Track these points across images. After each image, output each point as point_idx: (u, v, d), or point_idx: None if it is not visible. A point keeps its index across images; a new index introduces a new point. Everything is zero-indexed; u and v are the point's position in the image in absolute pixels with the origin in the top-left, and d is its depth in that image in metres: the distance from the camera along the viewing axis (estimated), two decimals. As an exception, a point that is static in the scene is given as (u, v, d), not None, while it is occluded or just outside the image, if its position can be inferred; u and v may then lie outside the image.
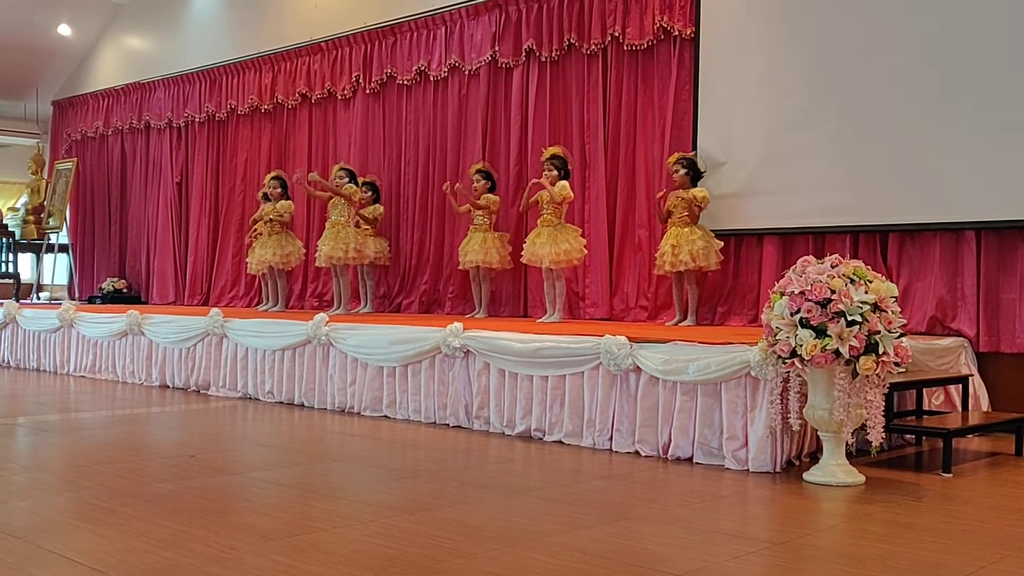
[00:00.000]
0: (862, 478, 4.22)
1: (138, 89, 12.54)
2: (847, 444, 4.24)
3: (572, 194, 7.20)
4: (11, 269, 12.86)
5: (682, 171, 6.91)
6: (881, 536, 3.35)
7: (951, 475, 4.43)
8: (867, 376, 4.07)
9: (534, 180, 7.29)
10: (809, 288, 4.05)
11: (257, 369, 7.09)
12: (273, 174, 9.10)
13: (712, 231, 6.92)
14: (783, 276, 4.23)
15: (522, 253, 7.26)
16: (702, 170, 6.97)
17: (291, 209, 8.95)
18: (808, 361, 4.04)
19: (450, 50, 8.95)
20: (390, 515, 3.52)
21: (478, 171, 7.92)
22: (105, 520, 3.36)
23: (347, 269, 8.65)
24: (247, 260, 9.26)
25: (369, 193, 8.80)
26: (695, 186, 6.92)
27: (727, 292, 7.17)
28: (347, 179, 8.53)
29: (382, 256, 8.93)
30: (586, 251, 7.27)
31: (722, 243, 6.92)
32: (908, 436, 5.29)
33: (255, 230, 9.02)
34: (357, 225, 8.61)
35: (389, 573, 2.78)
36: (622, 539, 3.24)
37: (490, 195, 7.83)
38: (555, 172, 7.08)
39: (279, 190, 8.90)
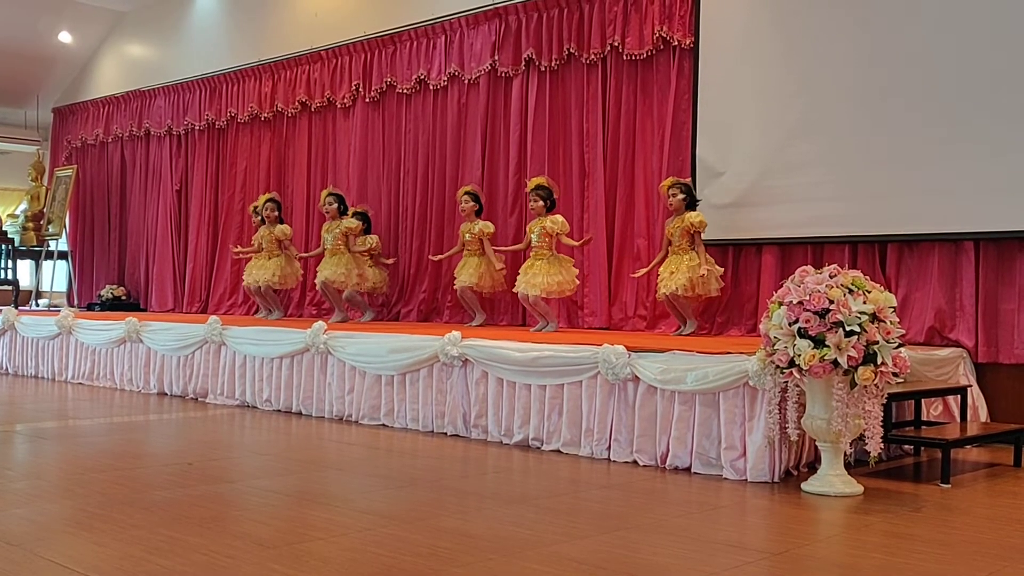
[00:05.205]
0: (860, 488, 4.22)
1: (138, 97, 12.55)
2: (845, 454, 4.25)
3: (567, 226, 7.00)
4: (10, 276, 12.85)
5: (680, 195, 6.74)
6: (879, 547, 3.35)
7: (950, 486, 4.43)
8: (865, 386, 4.07)
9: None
10: (807, 298, 4.05)
11: (255, 377, 7.09)
12: (268, 196, 8.75)
13: (710, 241, 6.90)
14: (781, 286, 4.24)
15: (515, 285, 7.02)
16: (697, 198, 6.85)
17: (288, 234, 8.65)
18: (806, 371, 4.04)
19: (450, 59, 8.96)
20: (387, 524, 3.51)
21: (467, 193, 7.83)
22: (102, 528, 3.36)
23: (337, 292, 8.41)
24: (244, 275, 9.07)
25: (360, 224, 8.58)
26: (689, 210, 6.72)
27: (725, 302, 7.15)
28: (336, 204, 8.27)
29: (382, 284, 8.88)
30: (578, 282, 7.13)
31: (722, 269, 6.83)
32: (906, 447, 5.29)
33: (247, 251, 8.86)
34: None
35: (386, 582, 2.78)
36: (620, 549, 3.24)
37: (483, 223, 7.71)
38: (540, 203, 6.97)
39: (275, 213, 8.64)
